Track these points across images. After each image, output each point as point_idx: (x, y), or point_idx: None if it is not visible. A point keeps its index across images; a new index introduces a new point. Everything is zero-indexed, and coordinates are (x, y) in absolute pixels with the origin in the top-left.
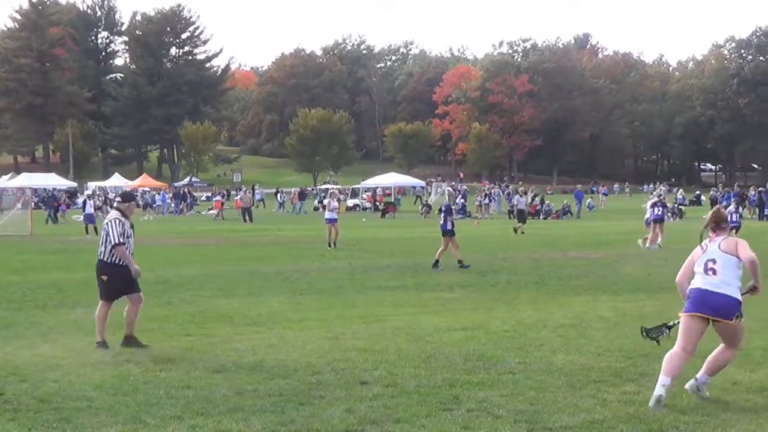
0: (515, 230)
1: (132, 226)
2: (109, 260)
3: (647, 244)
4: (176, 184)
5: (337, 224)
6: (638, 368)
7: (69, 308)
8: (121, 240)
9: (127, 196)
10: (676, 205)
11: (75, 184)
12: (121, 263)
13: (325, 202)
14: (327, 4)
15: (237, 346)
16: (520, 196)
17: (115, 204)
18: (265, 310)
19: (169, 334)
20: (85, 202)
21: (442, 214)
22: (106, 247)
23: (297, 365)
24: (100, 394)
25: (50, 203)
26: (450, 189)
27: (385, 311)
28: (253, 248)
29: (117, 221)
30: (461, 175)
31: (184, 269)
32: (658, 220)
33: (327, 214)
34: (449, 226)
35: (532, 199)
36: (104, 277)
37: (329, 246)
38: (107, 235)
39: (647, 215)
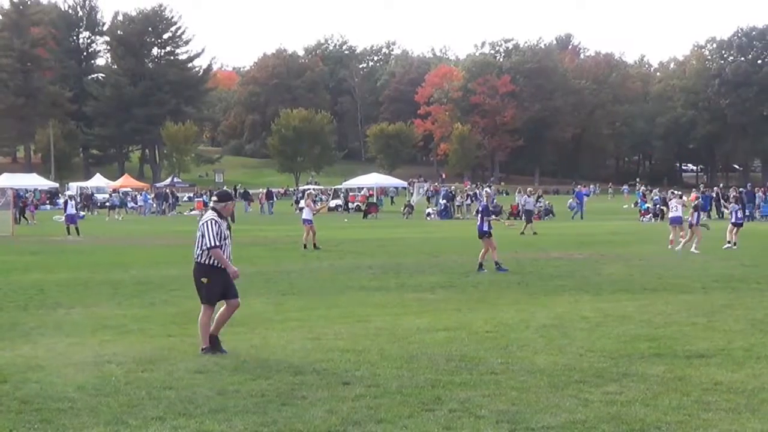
0: (522, 233)
1: (229, 227)
2: (206, 262)
3: (693, 247)
4: (158, 185)
5: (313, 225)
6: (620, 368)
7: (50, 309)
8: (217, 242)
9: (224, 196)
10: (657, 206)
11: (56, 185)
12: (219, 265)
13: (302, 203)
14: (309, 5)
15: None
16: (528, 196)
17: (211, 204)
18: (247, 311)
19: (151, 334)
20: (66, 203)
21: (479, 215)
22: (202, 250)
23: (279, 366)
24: (81, 395)
25: (16, 203)
26: (488, 189)
27: (367, 312)
28: (234, 249)
29: (213, 222)
30: (443, 176)
31: (166, 270)
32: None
33: (305, 214)
34: (486, 227)
35: (536, 200)
36: (204, 280)
37: (305, 247)
38: (203, 236)
39: (689, 219)
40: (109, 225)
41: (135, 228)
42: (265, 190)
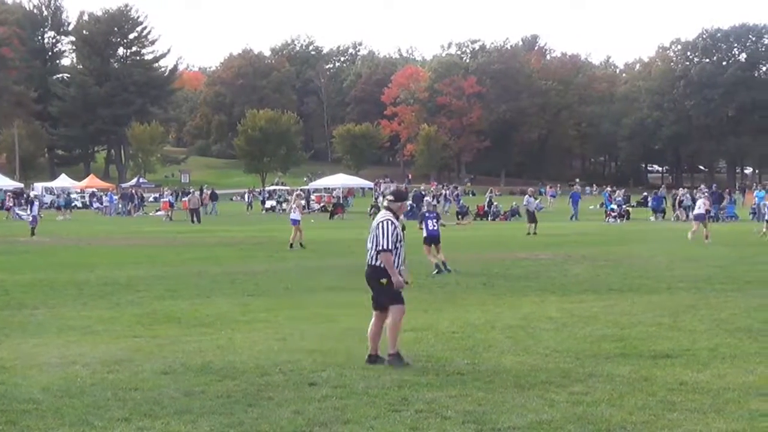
0: (528, 233)
1: (404, 228)
2: (382, 264)
3: None
4: (123, 185)
5: (300, 224)
6: (586, 369)
7: (15, 310)
8: (391, 245)
9: (400, 195)
10: (621, 207)
11: (21, 185)
12: (395, 268)
13: (291, 204)
14: (275, 5)
15: (185, 347)
16: (530, 196)
17: (385, 203)
18: (213, 312)
19: (117, 335)
20: (31, 203)
21: (431, 221)
22: (377, 251)
23: (245, 367)
24: (46, 397)
25: None
26: (428, 198)
27: (333, 312)
28: (201, 249)
29: (390, 223)
30: (410, 176)
31: (132, 270)
32: None
33: (293, 214)
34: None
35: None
36: (383, 281)
37: (291, 246)
38: (376, 237)
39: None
40: (57, 225)
41: (100, 228)
42: (209, 191)
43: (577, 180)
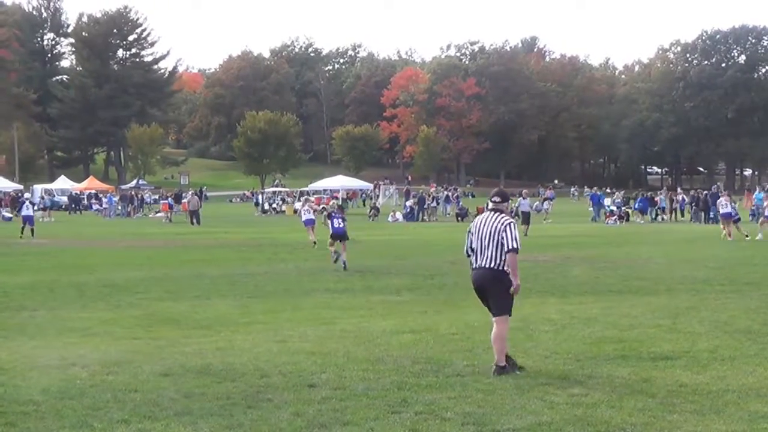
0: (525, 234)
1: None
2: (506, 268)
3: None
4: (123, 187)
5: (315, 225)
6: (586, 371)
7: (14, 311)
8: (519, 245)
9: (505, 195)
10: (620, 209)
11: (20, 187)
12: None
13: (300, 206)
14: (275, 6)
15: (184, 349)
16: (523, 198)
17: (490, 205)
18: (212, 313)
19: (116, 337)
20: (23, 203)
21: (339, 220)
22: (500, 254)
23: (245, 368)
24: (46, 399)
25: None
26: (334, 201)
27: (333, 314)
28: (200, 251)
29: (515, 225)
30: (409, 178)
31: (132, 272)
32: None
33: (309, 215)
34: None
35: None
36: (512, 290)
37: (315, 244)
38: (504, 238)
39: None
40: (47, 227)
41: (99, 230)
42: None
43: (555, 181)
